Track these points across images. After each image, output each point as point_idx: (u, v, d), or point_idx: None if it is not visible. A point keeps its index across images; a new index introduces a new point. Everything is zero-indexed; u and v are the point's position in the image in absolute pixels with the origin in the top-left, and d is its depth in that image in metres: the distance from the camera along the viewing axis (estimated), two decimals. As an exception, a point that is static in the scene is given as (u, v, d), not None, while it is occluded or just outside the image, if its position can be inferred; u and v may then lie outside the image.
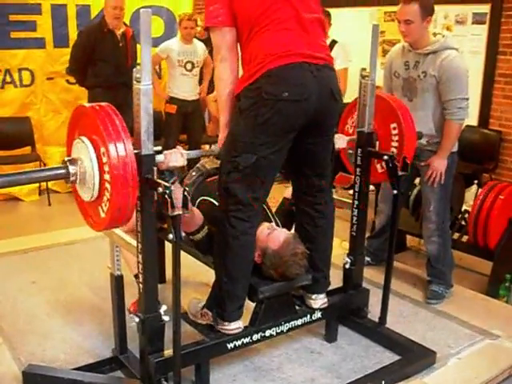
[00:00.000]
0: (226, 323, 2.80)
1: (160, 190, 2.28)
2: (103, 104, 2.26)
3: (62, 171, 2.26)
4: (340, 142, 3.21)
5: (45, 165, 5.75)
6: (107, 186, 2.17)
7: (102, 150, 2.15)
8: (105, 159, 2.15)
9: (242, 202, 2.68)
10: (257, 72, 2.53)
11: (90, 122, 2.23)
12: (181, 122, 6.26)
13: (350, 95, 5.73)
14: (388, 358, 3.19)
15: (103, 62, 5.59)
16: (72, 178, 2.26)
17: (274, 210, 3.28)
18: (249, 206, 2.69)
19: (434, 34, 3.70)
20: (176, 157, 2.49)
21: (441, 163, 3.59)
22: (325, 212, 3.01)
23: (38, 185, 5.92)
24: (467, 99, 3.51)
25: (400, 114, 3.25)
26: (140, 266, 2.50)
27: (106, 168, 2.15)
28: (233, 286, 2.77)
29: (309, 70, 2.56)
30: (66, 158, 2.29)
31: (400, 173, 3.03)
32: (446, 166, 3.61)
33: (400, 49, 3.76)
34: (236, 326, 2.81)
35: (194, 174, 3.25)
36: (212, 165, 3.28)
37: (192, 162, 2.97)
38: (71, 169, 2.25)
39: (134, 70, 2.28)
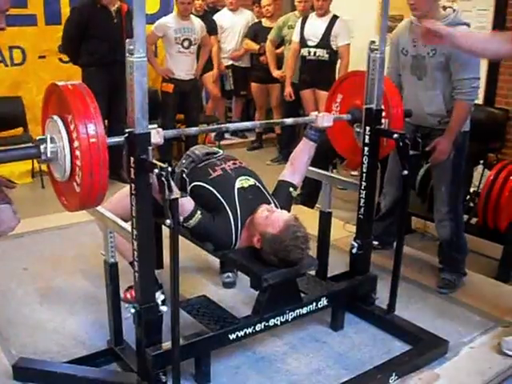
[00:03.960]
0: None
1: (156, 171, 2.13)
2: (76, 83, 2.17)
3: (34, 150, 2.16)
4: (326, 120, 3.04)
5: (38, 146, 5.59)
6: (78, 163, 2.09)
7: (72, 127, 2.07)
8: (75, 134, 2.06)
9: None
10: None
11: (61, 100, 2.14)
12: (178, 102, 6.10)
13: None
14: (397, 347, 3.06)
15: (97, 39, 5.43)
16: (43, 157, 2.16)
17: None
18: None
19: (444, 8, 3.47)
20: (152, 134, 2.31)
21: (447, 147, 3.40)
22: None
23: (30, 167, 5.76)
24: (479, 78, 3.35)
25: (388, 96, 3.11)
26: (135, 254, 2.36)
27: (76, 143, 2.07)
28: None
29: None
30: (38, 137, 2.18)
31: (411, 152, 2.86)
32: (459, 146, 3.45)
33: (407, 24, 3.55)
34: None
35: (184, 161, 3.13)
36: (202, 151, 3.17)
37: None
38: (42, 148, 2.14)
39: (127, 41, 2.13)
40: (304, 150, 3.14)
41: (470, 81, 3.31)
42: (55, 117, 2.14)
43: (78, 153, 2.07)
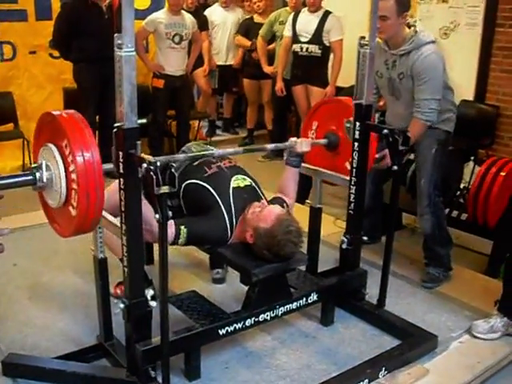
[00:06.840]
0: None
1: (145, 166, 2.12)
2: (71, 111, 2.24)
3: (29, 178, 2.23)
4: (304, 145, 3.14)
5: (28, 142, 5.56)
6: (74, 186, 2.14)
7: (68, 151, 2.13)
8: (70, 158, 2.12)
9: None
10: None
11: (55, 128, 2.20)
12: (169, 97, 6.07)
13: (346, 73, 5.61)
14: (387, 342, 3.07)
15: (88, 35, 5.40)
16: (39, 184, 2.23)
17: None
18: None
19: (408, 25, 3.49)
20: None
21: None
22: None
23: (21, 162, 5.72)
24: (439, 100, 3.40)
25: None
26: (124, 249, 2.35)
27: (73, 176, 2.13)
28: None
29: None
30: (33, 165, 2.25)
31: (401, 147, 2.86)
32: (441, 143, 3.54)
33: (377, 46, 3.54)
34: None
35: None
36: (198, 148, 3.16)
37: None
38: (38, 175, 2.22)
39: (116, 35, 2.11)
40: (289, 177, 3.20)
41: (428, 102, 3.38)
42: (50, 144, 2.19)
43: (73, 176, 2.12)
